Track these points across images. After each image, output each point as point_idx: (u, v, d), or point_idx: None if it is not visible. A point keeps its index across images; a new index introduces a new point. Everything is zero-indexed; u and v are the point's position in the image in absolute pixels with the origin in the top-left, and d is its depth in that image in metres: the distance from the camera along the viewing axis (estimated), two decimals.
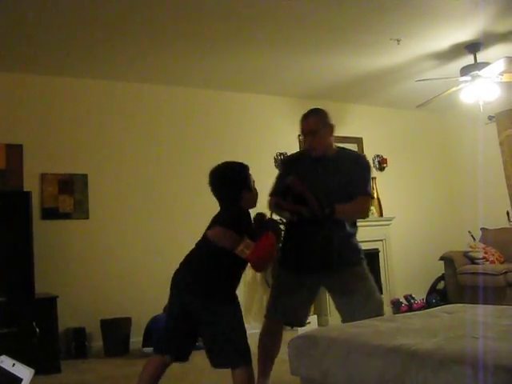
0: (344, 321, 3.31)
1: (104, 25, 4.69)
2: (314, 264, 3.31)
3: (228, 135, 6.67)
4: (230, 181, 2.97)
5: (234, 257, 2.80)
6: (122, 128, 6.09)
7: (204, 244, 2.94)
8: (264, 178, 6.66)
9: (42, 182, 5.60)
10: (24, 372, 1.09)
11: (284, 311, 3.41)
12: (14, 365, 1.14)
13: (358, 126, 7.51)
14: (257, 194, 3.03)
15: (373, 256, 6.92)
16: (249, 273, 6.53)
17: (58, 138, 5.76)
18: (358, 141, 7.50)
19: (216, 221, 2.92)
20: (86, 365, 5.10)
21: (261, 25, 4.89)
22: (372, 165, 7.49)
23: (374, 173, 7.52)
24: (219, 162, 3.06)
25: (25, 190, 5.43)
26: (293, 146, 7.04)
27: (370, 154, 7.58)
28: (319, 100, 7.24)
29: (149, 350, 5.23)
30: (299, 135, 7.07)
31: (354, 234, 3.42)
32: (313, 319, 6.35)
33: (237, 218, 2.88)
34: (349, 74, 6.31)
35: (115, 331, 5.45)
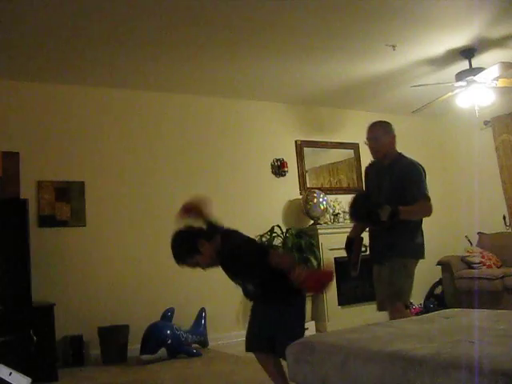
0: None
1: (102, 32, 4.70)
2: (374, 258, 3.97)
3: (225, 142, 6.67)
4: None
5: None
6: (119, 135, 6.09)
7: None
8: (261, 184, 6.74)
9: (38, 190, 5.59)
10: (21, 381, 1.09)
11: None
12: (10, 374, 1.13)
13: (354, 132, 7.51)
14: None
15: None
16: None
17: (55, 146, 5.76)
18: (355, 146, 7.52)
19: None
20: (84, 373, 5.08)
21: (258, 32, 4.90)
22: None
23: None
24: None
25: (21, 197, 5.42)
26: (290, 152, 7.07)
27: (366, 159, 7.56)
28: (316, 106, 7.28)
29: (147, 357, 5.22)
30: (296, 141, 7.10)
31: (404, 235, 3.79)
32: (311, 325, 6.36)
33: None
34: (345, 80, 6.33)
35: (113, 339, 5.43)
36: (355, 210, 3.79)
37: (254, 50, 5.31)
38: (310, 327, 6.35)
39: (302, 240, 6.50)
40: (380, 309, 3.96)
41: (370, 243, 4.03)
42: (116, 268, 5.81)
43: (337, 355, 2.41)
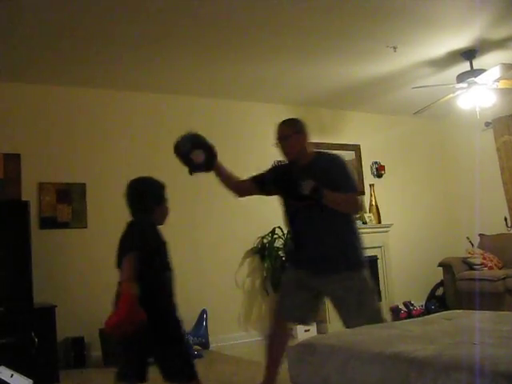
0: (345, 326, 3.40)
1: (102, 33, 4.70)
2: (307, 266, 3.42)
3: (227, 144, 6.64)
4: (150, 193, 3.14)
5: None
6: (121, 137, 6.09)
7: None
8: None
9: (39, 192, 5.59)
10: (23, 383, 1.09)
11: (286, 310, 3.52)
12: (12, 375, 1.13)
13: (355, 134, 7.53)
14: (167, 211, 3.21)
15: (371, 263, 6.90)
16: (246, 281, 6.55)
17: (56, 147, 5.76)
18: (356, 148, 7.52)
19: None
20: (85, 374, 5.08)
21: (258, 33, 4.90)
22: (370, 172, 7.45)
23: (372, 180, 7.53)
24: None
25: (23, 199, 5.43)
26: None
27: (367, 160, 7.60)
28: (317, 107, 7.27)
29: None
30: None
31: (351, 239, 3.42)
32: (312, 327, 6.35)
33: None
34: (346, 81, 6.33)
35: (114, 341, 5.42)
36: (277, 175, 3.48)
37: (255, 51, 5.31)
38: (312, 329, 6.35)
39: None
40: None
41: (296, 245, 3.57)
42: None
43: (338, 356, 2.41)
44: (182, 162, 3.44)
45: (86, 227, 5.76)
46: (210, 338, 5.82)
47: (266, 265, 6.50)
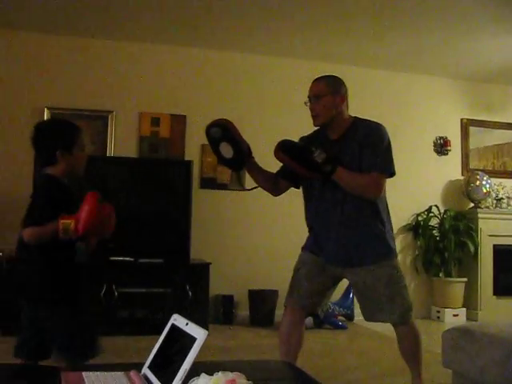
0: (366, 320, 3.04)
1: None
2: (332, 258, 3.00)
3: (386, 116, 6.46)
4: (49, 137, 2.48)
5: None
6: (281, 102, 6.09)
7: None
8: (422, 161, 6.49)
9: (202, 153, 5.82)
10: (198, 331, 1.14)
11: (300, 297, 3.07)
12: (187, 324, 1.19)
13: None
14: (82, 159, 2.54)
15: None
16: (398, 257, 6.39)
17: (219, 110, 5.88)
18: None
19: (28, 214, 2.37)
20: (232, 331, 5.29)
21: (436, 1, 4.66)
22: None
23: None
24: None
25: (186, 159, 5.70)
26: (454, 130, 6.73)
27: None
28: (485, 83, 6.84)
29: None
30: (462, 119, 6.74)
31: (380, 228, 2.97)
32: (461, 312, 6.11)
33: (48, 195, 2.39)
34: None
35: (262, 302, 5.59)
36: (290, 142, 3.05)
37: (423, 19, 5.02)
38: (461, 314, 6.11)
39: (460, 223, 6.22)
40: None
41: (317, 232, 3.09)
42: (270, 234, 5.93)
43: (498, 348, 2.30)
44: (210, 146, 3.09)
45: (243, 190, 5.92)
46: (355, 311, 5.80)
47: (418, 243, 6.33)
